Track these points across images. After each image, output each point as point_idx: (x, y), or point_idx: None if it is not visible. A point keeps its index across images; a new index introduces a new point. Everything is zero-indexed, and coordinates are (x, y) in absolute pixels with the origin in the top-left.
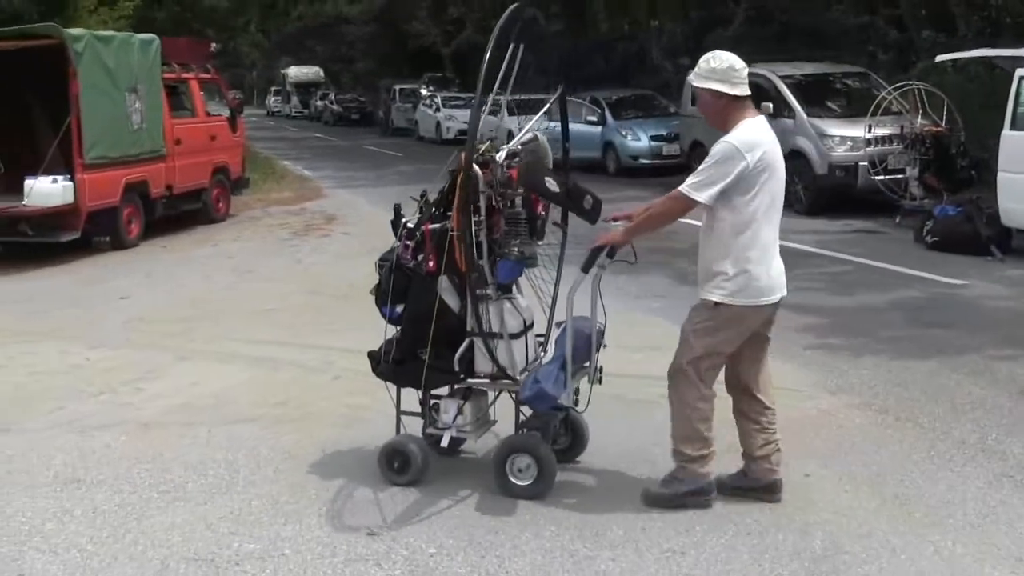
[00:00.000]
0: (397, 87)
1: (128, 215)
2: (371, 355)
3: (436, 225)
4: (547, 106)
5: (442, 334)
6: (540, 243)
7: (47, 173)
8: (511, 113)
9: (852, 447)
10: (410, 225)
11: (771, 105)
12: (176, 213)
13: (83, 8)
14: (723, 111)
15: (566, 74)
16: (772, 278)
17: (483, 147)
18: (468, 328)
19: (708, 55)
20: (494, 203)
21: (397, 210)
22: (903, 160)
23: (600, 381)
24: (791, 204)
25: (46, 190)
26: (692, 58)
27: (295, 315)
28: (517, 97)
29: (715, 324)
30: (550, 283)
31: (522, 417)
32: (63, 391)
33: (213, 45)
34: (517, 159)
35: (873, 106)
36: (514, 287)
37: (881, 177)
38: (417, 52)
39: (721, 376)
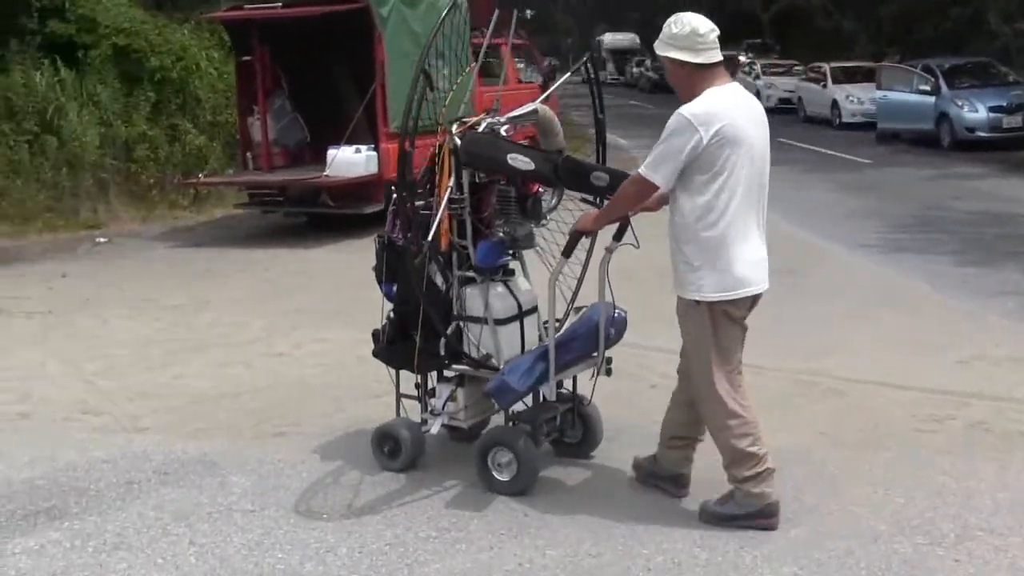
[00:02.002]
0: None
1: None
2: (374, 334)
3: (422, 202)
4: (572, 70)
5: (431, 316)
6: (545, 223)
7: (351, 143)
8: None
9: None
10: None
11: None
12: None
13: None
14: (688, 80)
15: (590, 31)
16: (747, 269)
17: (471, 120)
18: (455, 312)
19: (672, 18)
20: (477, 180)
21: (388, 186)
22: None
23: (609, 373)
24: None
25: (348, 160)
26: None
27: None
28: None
29: (708, 324)
30: (579, 265)
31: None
32: (346, 389)
33: (528, 11)
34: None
35: None
36: (517, 268)
37: None
38: (735, 17)
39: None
